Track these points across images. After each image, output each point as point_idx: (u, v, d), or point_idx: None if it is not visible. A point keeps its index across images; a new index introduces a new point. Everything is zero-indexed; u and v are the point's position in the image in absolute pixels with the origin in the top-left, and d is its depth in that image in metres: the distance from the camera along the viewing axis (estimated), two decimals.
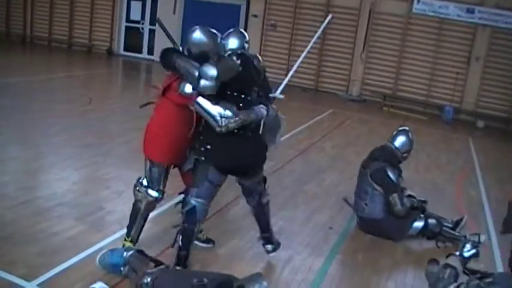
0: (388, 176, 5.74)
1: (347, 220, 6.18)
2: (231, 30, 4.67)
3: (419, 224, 5.82)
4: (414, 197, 6.14)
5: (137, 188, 4.63)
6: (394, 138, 6.05)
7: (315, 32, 16.74)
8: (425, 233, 5.84)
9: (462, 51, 15.68)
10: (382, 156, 5.88)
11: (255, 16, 17.70)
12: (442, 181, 8.54)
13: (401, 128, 6.21)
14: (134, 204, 4.65)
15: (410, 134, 6.09)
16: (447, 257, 4.31)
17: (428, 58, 16.02)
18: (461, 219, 6.13)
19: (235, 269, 4.59)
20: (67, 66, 17.31)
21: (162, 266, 4.17)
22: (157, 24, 17.92)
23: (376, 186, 5.73)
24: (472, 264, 4.88)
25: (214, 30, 4.41)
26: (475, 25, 15.42)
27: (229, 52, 4.48)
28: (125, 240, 4.66)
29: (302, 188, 7.15)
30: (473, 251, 4.38)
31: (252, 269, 4.69)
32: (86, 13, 20.08)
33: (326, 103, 15.09)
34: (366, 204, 5.82)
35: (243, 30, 4.74)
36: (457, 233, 5.90)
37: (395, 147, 5.97)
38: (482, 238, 5.86)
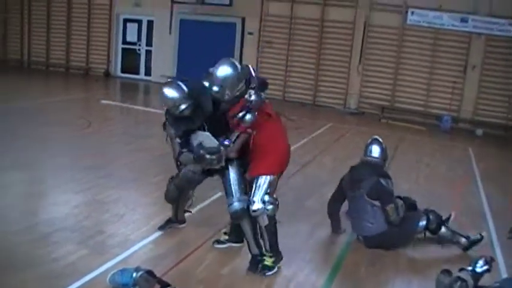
0: (383, 186, 5.74)
1: (348, 234, 6.16)
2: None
3: (423, 222, 5.87)
4: (408, 198, 6.19)
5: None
6: (369, 151, 6.00)
7: (311, 46, 16.95)
8: (429, 227, 5.88)
9: (458, 60, 15.73)
10: (369, 173, 5.84)
11: (251, 34, 17.79)
12: (442, 191, 8.52)
13: (372, 138, 6.18)
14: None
15: (382, 142, 6.09)
16: (459, 271, 4.30)
17: (425, 68, 16.07)
18: (448, 218, 6.15)
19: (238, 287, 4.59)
20: (65, 90, 17.36)
21: None
22: (153, 46, 18.03)
23: (374, 202, 5.71)
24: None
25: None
26: (469, 34, 15.49)
27: None
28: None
29: (303, 204, 7.14)
30: (486, 267, 4.37)
31: (256, 286, 4.69)
32: (83, 36, 20.18)
33: (325, 117, 15.11)
34: (371, 223, 5.77)
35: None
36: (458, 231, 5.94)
37: (376, 158, 5.96)
38: (484, 234, 5.89)
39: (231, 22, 17.90)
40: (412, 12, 15.84)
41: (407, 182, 7.99)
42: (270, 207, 4.88)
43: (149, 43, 19.43)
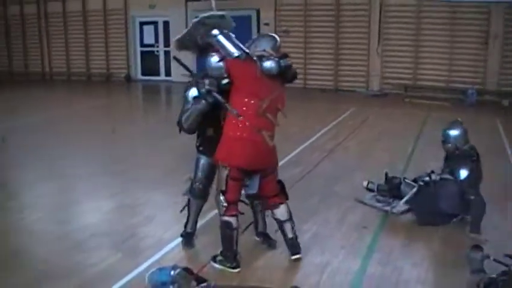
0: None
1: (380, 217, 6.12)
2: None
3: None
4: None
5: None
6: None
7: (328, 32, 16.82)
8: None
9: (478, 31, 15.49)
10: None
11: (267, 24, 17.75)
12: None
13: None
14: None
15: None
16: None
17: (445, 43, 15.84)
18: None
19: (274, 279, 4.61)
20: (88, 98, 17.49)
21: (204, 284, 4.22)
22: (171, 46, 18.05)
23: None
24: None
25: None
26: (487, 3, 15.22)
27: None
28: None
29: (332, 190, 7.10)
30: None
31: (291, 277, 4.70)
32: (101, 43, 20.39)
33: (347, 101, 15.01)
34: None
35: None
36: None
37: None
38: None
39: (246, 15, 17.86)
40: None
41: (435, 159, 7.87)
42: None
43: (167, 44, 19.49)
